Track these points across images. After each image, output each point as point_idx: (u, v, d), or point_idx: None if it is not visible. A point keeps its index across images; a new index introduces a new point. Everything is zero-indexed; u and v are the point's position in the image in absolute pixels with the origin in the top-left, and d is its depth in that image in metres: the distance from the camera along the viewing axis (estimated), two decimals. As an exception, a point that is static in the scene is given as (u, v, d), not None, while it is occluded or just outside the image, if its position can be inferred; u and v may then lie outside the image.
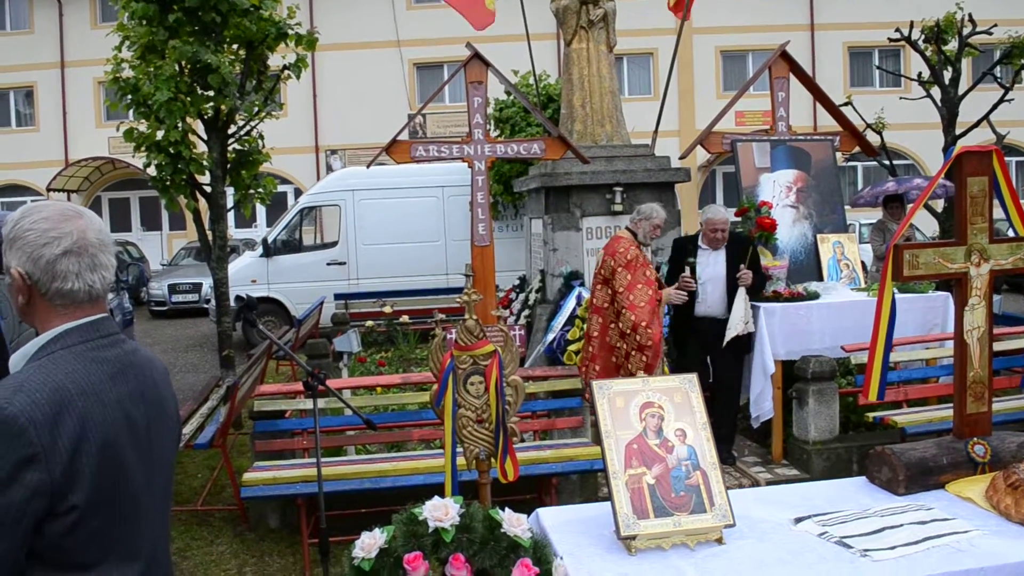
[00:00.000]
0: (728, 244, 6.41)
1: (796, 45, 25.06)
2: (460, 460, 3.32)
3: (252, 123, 8.81)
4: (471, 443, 3.05)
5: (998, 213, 3.57)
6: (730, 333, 6.22)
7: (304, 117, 25.63)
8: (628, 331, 5.66)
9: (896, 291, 6.89)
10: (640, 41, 23.86)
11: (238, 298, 4.15)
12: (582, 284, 7.77)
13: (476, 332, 2.94)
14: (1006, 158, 26.69)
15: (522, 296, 8.46)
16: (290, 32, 8.50)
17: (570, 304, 7.54)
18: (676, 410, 2.94)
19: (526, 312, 8.17)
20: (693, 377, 3.04)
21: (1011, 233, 3.59)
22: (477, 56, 7.46)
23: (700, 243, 6.44)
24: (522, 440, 6.06)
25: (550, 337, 7.47)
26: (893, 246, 3.20)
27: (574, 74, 8.47)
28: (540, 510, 3.05)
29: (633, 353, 5.65)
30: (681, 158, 8.31)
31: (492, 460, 3.12)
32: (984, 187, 3.34)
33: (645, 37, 23.47)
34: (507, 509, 2.70)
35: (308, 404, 5.85)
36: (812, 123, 21.09)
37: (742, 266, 6.27)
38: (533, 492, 5.57)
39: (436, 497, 2.68)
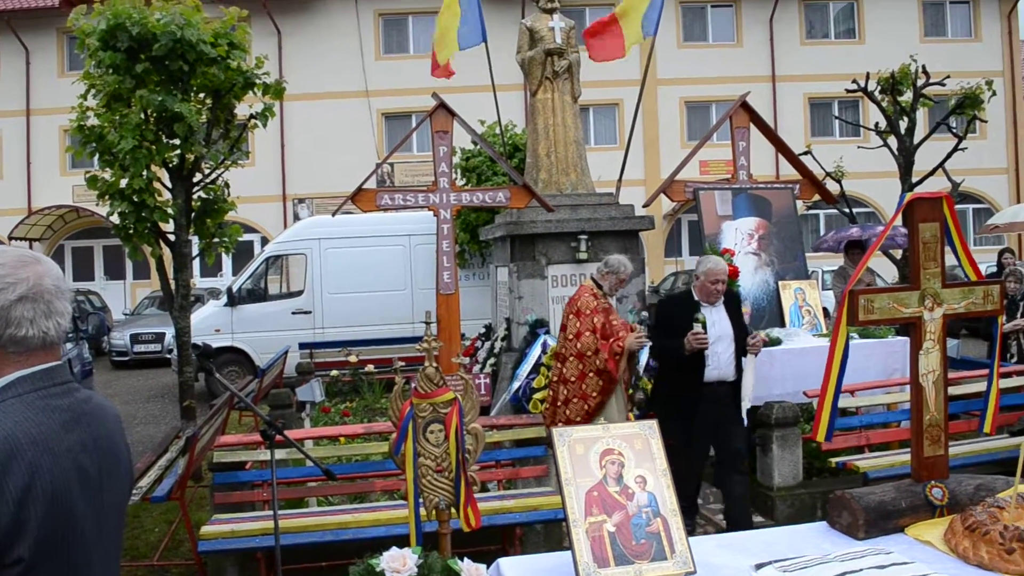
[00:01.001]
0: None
1: (758, 96, 25.69)
2: (424, 510, 3.28)
3: (218, 171, 8.80)
4: (430, 492, 3.02)
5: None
6: (746, 403, 5.75)
7: (272, 166, 25.64)
8: (572, 378, 6.01)
9: (857, 336, 7.03)
10: (606, 92, 24.25)
11: (194, 346, 4.11)
12: (547, 332, 7.77)
13: (436, 380, 2.93)
14: (963, 205, 27.49)
15: (487, 344, 8.45)
16: (258, 81, 8.54)
17: (535, 352, 7.53)
18: (636, 456, 2.93)
19: (491, 360, 8.15)
20: (653, 423, 3.04)
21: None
22: (443, 106, 7.53)
23: (698, 298, 5.75)
24: (486, 490, 6.01)
25: (515, 385, 7.44)
26: (849, 291, 3.24)
27: (539, 124, 8.57)
28: (501, 560, 3.01)
29: (590, 376, 5.97)
30: (645, 206, 8.41)
31: (453, 510, 3.08)
32: (935, 233, 3.41)
33: (611, 88, 23.85)
34: (466, 559, 2.67)
35: (268, 455, 5.80)
36: (774, 172, 21.45)
37: (758, 334, 5.92)
38: (497, 543, 5.50)
39: (394, 548, 2.65)
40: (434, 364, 2.92)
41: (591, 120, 26.21)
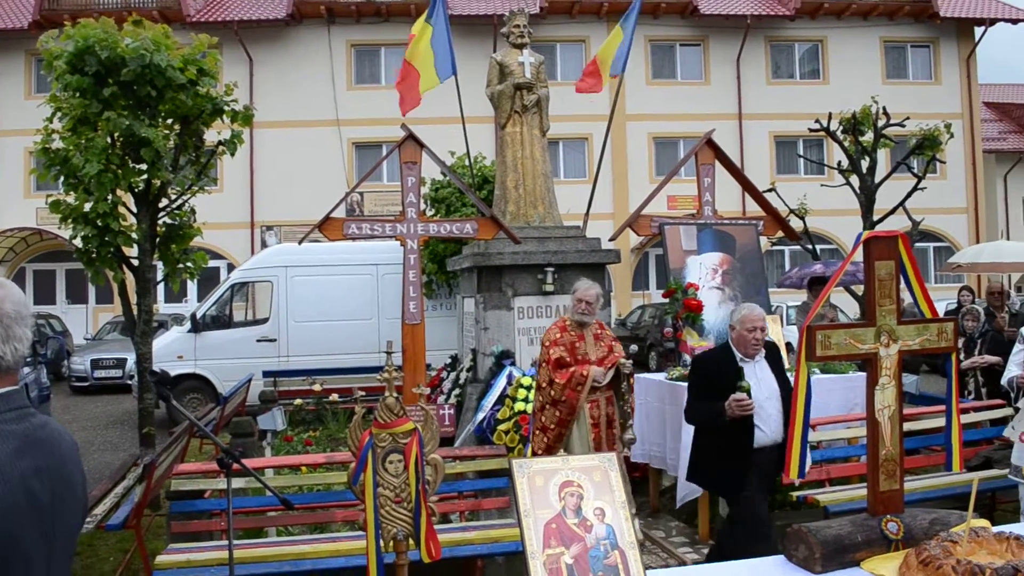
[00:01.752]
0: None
1: (725, 133, 26.21)
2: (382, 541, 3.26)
3: (185, 197, 8.75)
4: (389, 523, 3.00)
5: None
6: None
7: (240, 193, 25.52)
8: (536, 410, 6.04)
9: (819, 371, 7.11)
10: (576, 126, 24.50)
11: (151, 372, 4.06)
12: (513, 363, 7.78)
13: (396, 410, 2.93)
14: (924, 244, 27.95)
15: (453, 375, 8.43)
16: (227, 108, 8.53)
17: (501, 383, 7.54)
18: (595, 489, 2.94)
19: (456, 391, 8.14)
20: (612, 456, 3.06)
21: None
22: (412, 137, 7.57)
23: (736, 352, 5.03)
24: (448, 521, 5.97)
25: (480, 416, 7.43)
26: (806, 327, 3.29)
27: (508, 156, 8.64)
28: (460, 593, 3.00)
29: (547, 407, 5.93)
30: (611, 240, 8.49)
31: (411, 541, 3.07)
32: (891, 271, 3.47)
33: (580, 122, 24.11)
34: (423, 591, 2.66)
35: (233, 484, 5.73)
36: (741, 208, 21.76)
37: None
38: (460, 574, 5.46)
39: (350, 579, 2.63)
40: (394, 394, 2.92)
41: (561, 153, 26.44)
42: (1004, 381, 6.13)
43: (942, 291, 23.50)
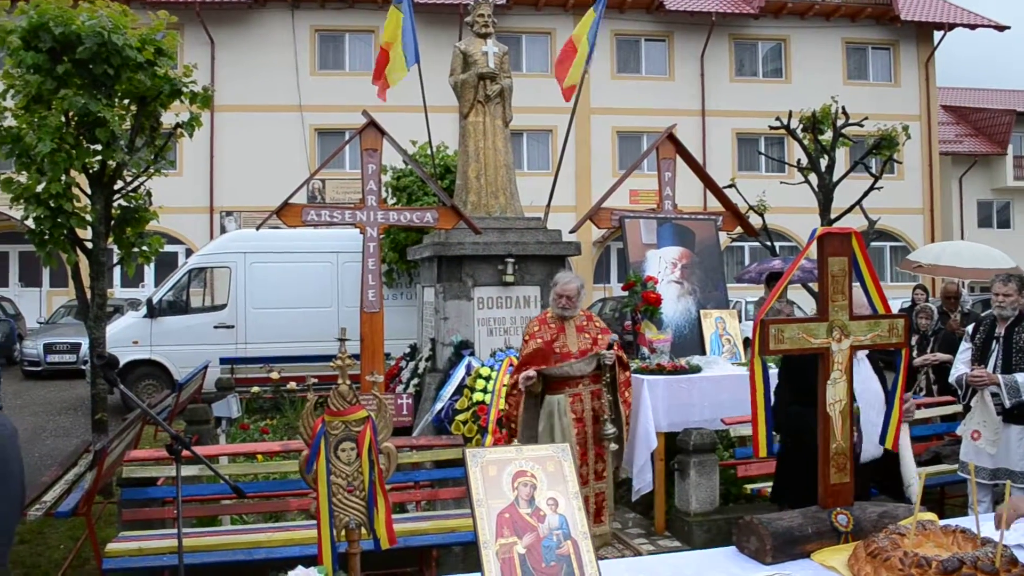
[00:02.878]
0: None
1: (688, 129, 26.37)
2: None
3: (141, 179, 8.60)
4: (341, 511, 2.98)
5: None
6: (913, 490, 4.28)
7: (200, 177, 25.17)
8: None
9: (774, 366, 7.17)
10: (540, 118, 24.51)
11: (99, 356, 3.97)
12: (472, 353, 7.77)
13: (349, 397, 2.90)
14: (881, 243, 28.40)
15: (412, 364, 8.40)
16: (185, 90, 8.39)
17: (459, 373, 7.52)
18: (549, 479, 2.94)
19: (415, 381, 8.11)
20: (566, 446, 3.06)
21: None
22: (372, 124, 7.51)
23: None
24: (404, 511, 5.96)
25: (438, 406, 7.42)
26: (759, 321, 3.32)
27: (470, 146, 8.61)
28: (412, 582, 2.99)
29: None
30: (571, 232, 8.51)
31: (363, 529, 3.05)
32: (844, 267, 3.51)
33: (545, 114, 24.12)
34: (373, 580, 2.64)
35: (182, 471, 5.65)
36: (702, 203, 21.90)
37: (910, 396, 4.67)
38: (414, 565, 5.45)
39: (299, 567, 2.60)
40: (347, 381, 2.89)
41: (525, 145, 26.44)
42: (952, 379, 6.23)
43: (898, 289, 23.92)
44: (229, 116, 24.81)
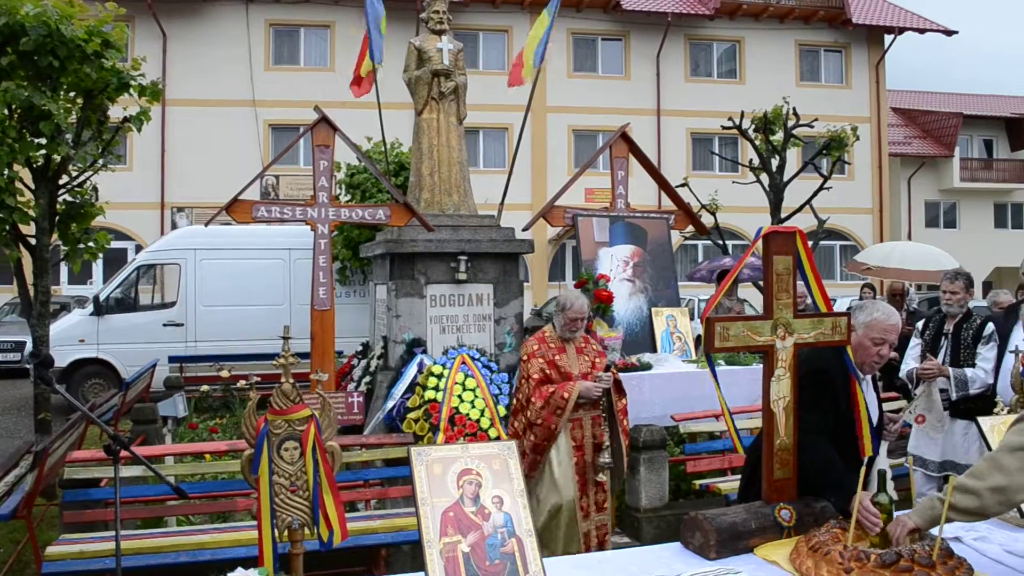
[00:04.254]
0: None
1: (643, 128, 26.53)
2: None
3: (87, 174, 8.43)
4: (284, 511, 2.94)
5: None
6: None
7: (150, 172, 24.73)
8: (520, 431, 5.37)
9: (723, 363, 7.26)
10: (496, 116, 24.49)
11: (32, 354, 3.89)
12: (424, 351, 7.74)
13: (292, 396, 2.87)
14: (831, 242, 28.85)
15: (364, 363, 8.34)
16: (133, 83, 8.24)
17: (411, 371, 7.49)
18: (494, 477, 2.93)
19: (367, 379, 8.05)
20: (512, 444, 3.06)
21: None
22: (324, 120, 7.44)
23: (854, 360, 3.75)
24: (355, 509, 5.91)
25: (390, 404, 7.38)
26: (706, 319, 3.35)
27: (423, 143, 8.57)
28: (356, 581, 2.97)
29: (527, 432, 5.32)
30: (525, 229, 8.51)
31: (307, 530, 3.01)
32: (788, 265, 3.56)
33: (501, 112, 24.09)
34: (314, 580, 2.61)
35: (125, 472, 5.55)
36: (656, 203, 22.06)
37: (899, 416, 4.46)
38: (363, 565, 5.41)
39: (239, 569, 2.57)
40: (290, 380, 2.86)
41: (481, 143, 26.41)
42: (902, 374, 6.39)
43: (848, 288, 24.34)
44: (181, 111, 24.42)
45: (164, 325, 12.68)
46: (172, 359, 12.02)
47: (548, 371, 5.27)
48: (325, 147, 7.42)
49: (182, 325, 12.67)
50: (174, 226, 23.50)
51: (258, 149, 24.95)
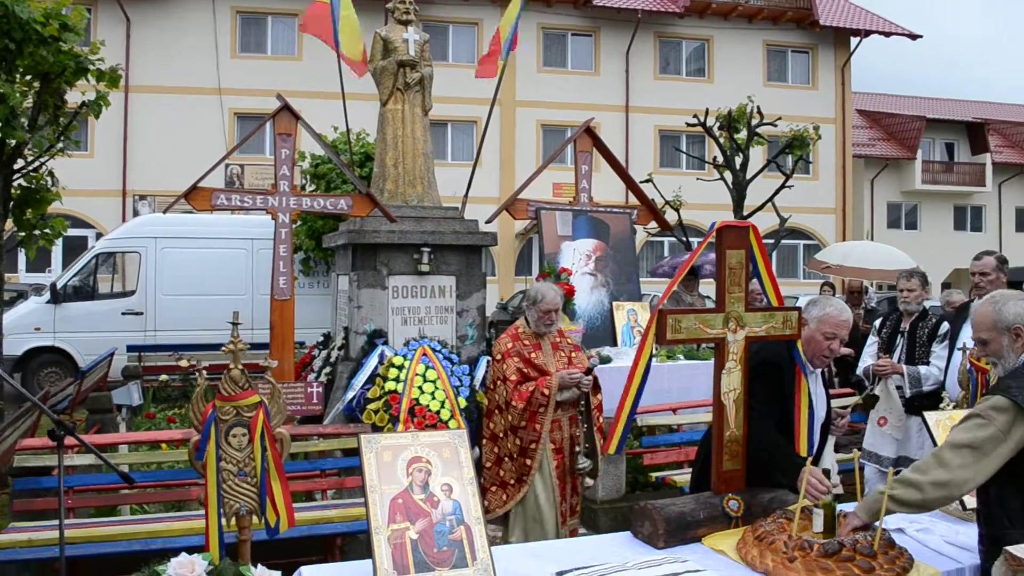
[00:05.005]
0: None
1: (612, 125, 26.62)
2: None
3: (42, 159, 8.29)
4: (231, 498, 2.93)
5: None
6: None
7: (112, 159, 24.37)
8: (500, 434, 5.17)
9: (683, 357, 7.33)
10: (465, 109, 24.46)
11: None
12: (385, 342, 7.72)
13: (241, 382, 2.85)
14: (794, 240, 29.15)
15: (324, 353, 8.30)
16: (91, 67, 8.11)
17: (372, 362, 7.46)
18: (444, 465, 2.95)
19: (327, 369, 8.01)
20: (463, 432, 3.07)
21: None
22: (287, 108, 7.38)
23: (804, 356, 3.82)
24: (312, 499, 5.89)
25: (350, 395, 7.35)
26: (658, 311, 3.38)
27: (388, 134, 8.53)
28: (303, 568, 2.96)
29: (509, 434, 5.13)
30: (488, 222, 8.51)
31: (254, 517, 3.00)
32: (742, 260, 3.60)
33: (470, 105, 24.06)
34: (259, 566, 2.61)
35: (78, 460, 5.48)
36: (624, 198, 22.17)
37: (846, 413, 4.45)
38: (318, 554, 5.39)
39: (183, 554, 2.55)
40: (239, 366, 2.84)
41: (449, 136, 26.35)
42: (859, 371, 6.50)
43: (809, 287, 24.62)
44: (145, 97, 24.08)
45: (123, 314, 12.54)
46: (131, 348, 11.88)
47: (525, 369, 5.08)
48: (287, 135, 7.37)
49: (141, 314, 12.54)
50: (136, 214, 23.19)
51: (223, 138, 24.67)
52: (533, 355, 5.13)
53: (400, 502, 2.81)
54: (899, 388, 5.99)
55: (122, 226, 14.44)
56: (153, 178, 24.05)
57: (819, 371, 4.00)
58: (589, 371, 5.13)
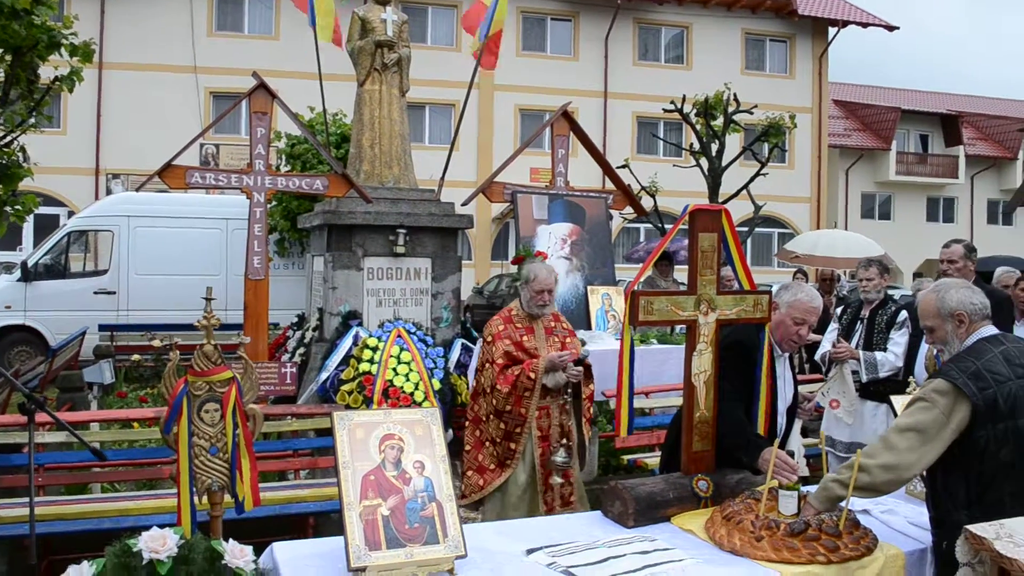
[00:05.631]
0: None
1: (590, 110, 26.61)
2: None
3: (14, 135, 8.18)
4: (203, 474, 2.93)
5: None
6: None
7: (86, 137, 24.05)
8: (483, 418, 5.10)
9: (656, 341, 7.37)
10: (443, 92, 24.35)
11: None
12: (360, 324, 7.71)
13: (214, 358, 2.85)
14: (769, 229, 29.34)
15: (299, 334, 8.28)
16: (64, 42, 8.00)
17: (346, 343, 7.46)
18: (416, 442, 2.96)
19: (301, 350, 8.00)
20: (435, 410, 3.09)
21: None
22: (263, 86, 7.33)
23: (774, 340, 3.92)
24: (285, 478, 5.90)
25: (324, 376, 7.34)
26: (631, 292, 3.41)
27: (365, 115, 8.50)
28: (275, 544, 2.97)
29: (491, 418, 5.07)
30: (463, 204, 8.51)
31: (226, 492, 3.01)
32: (713, 243, 3.64)
33: (448, 88, 23.96)
34: (231, 541, 2.61)
35: (49, 438, 5.45)
36: (601, 183, 22.21)
37: (814, 395, 4.52)
38: (291, 533, 5.40)
39: (155, 528, 2.56)
40: (212, 342, 2.84)
41: (427, 119, 26.24)
42: (817, 356, 6.60)
43: (783, 275, 24.82)
44: (119, 75, 23.76)
45: (95, 293, 12.41)
46: (103, 327, 11.78)
47: (515, 353, 4.97)
48: (263, 114, 7.32)
49: (114, 293, 12.42)
50: (109, 192, 22.91)
51: (199, 117, 24.41)
52: (525, 338, 5.01)
53: (372, 479, 2.82)
54: (855, 373, 6.08)
55: (95, 204, 14.27)
56: (127, 157, 23.77)
57: (787, 355, 4.07)
58: (580, 361, 5.03)
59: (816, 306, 3.91)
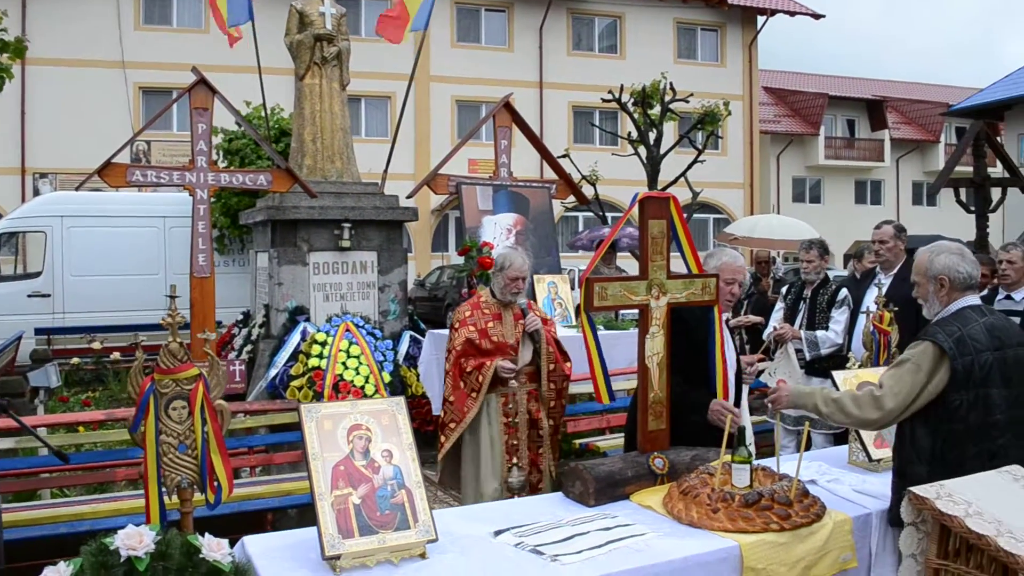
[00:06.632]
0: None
1: (526, 100, 26.70)
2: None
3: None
4: (172, 471, 2.95)
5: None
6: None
7: (10, 136, 23.30)
8: (450, 399, 5.03)
9: (602, 327, 7.49)
10: (378, 84, 24.19)
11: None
12: (308, 319, 7.70)
13: (180, 355, 2.87)
14: (705, 215, 29.84)
15: (245, 331, 8.23)
16: (-8, 39, 7.80)
17: (294, 339, 7.45)
18: (384, 432, 3.02)
19: (248, 348, 7.96)
20: (400, 400, 3.15)
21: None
22: (203, 82, 7.25)
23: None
24: (238, 476, 5.88)
25: (273, 372, 7.33)
26: (585, 279, 3.51)
27: (306, 109, 8.46)
28: (246, 538, 3.00)
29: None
30: (408, 197, 8.55)
31: (196, 488, 3.03)
32: (663, 229, 3.76)
33: (383, 80, 23.83)
34: (207, 535, 2.64)
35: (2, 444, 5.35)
36: (539, 173, 22.36)
37: (754, 359, 4.83)
38: (248, 530, 5.39)
39: (130, 525, 2.57)
40: (178, 339, 2.86)
41: (363, 111, 26.05)
42: (765, 336, 6.81)
43: (719, 259, 25.30)
44: (43, 70, 23.05)
45: (29, 296, 12.10)
46: (39, 331, 11.50)
47: (479, 341, 4.87)
48: (203, 110, 7.24)
49: (49, 296, 12.13)
50: (36, 192, 22.26)
51: (128, 113, 23.85)
52: (491, 324, 4.92)
53: (342, 469, 2.87)
54: (799, 351, 6.30)
55: (25, 205, 13.90)
56: (54, 155, 23.12)
57: (726, 319, 4.24)
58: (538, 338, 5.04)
59: (740, 265, 4.29)
